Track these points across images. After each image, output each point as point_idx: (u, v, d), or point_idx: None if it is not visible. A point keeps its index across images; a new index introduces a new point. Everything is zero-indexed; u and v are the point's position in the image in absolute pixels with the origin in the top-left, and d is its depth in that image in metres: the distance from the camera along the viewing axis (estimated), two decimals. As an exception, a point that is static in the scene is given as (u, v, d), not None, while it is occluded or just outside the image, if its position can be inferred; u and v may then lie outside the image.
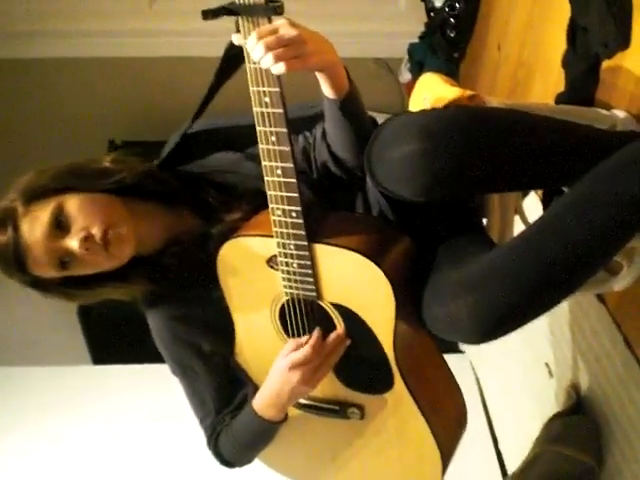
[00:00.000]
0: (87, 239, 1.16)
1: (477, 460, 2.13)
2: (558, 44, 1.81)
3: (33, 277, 1.20)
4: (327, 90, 1.08)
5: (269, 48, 0.92)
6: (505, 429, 2.27)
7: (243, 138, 1.24)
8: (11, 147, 3.05)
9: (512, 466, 2.05)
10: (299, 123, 1.13)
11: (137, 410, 2.40)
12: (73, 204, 1.17)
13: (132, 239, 1.20)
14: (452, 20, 2.64)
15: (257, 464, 1.42)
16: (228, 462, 1.37)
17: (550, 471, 1.60)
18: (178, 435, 2.14)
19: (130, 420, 2.38)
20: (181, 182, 1.28)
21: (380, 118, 1.17)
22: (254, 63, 0.96)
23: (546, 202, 1.61)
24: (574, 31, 1.72)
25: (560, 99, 1.77)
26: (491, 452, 2.26)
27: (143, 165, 1.27)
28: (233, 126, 1.32)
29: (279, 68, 0.94)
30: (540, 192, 1.70)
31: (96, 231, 1.16)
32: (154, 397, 2.33)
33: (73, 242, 1.16)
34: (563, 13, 1.76)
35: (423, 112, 1.10)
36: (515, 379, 2.15)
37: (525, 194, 1.60)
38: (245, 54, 0.97)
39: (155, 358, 1.37)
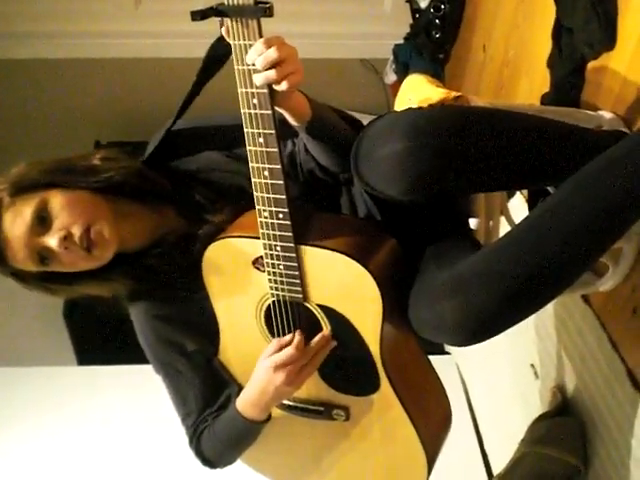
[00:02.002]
0: (66, 238, 1.15)
1: (463, 461, 2.13)
2: (543, 44, 1.82)
3: (12, 269, 1.20)
4: (291, 119, 1.08)
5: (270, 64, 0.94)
6: (491, 430, 2.28)
7: (228, 138, 1.24)
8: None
9: (497, 467, 2.05)
10: (288, 126, 1.13)
11: (122, 411, 2.39)
12: (57, 201, 1.17)
13: (114, 241, 1.19)
14: (437, 21, 2.64)
15: (240, 465, 1.41)
16: (210, 462, 1.36)
17: (535, 472, 1.60)
18: (163, 436, 2.13)
19: (115, 421, 2.37)
20: (168, 180, 1.27)
21: (365, 119, 1.17)
22: (242, 65, 0.96)
23: (532, 203, 1.61)
24: (559, 32, 1.72)
25: (546, 100, 1.78)
26: (477, 453, 2.26)
27: (132, 163, 1.26)
28: (218, 126, 1.32)
29: (282, 86, 0.96)
30: (526, 193, 1.71)
31: (76, 230, 1.15)
32: (139, 398, 2.32)
33: (52, 240, 1.15)
34: (548, 13, 1.77)
35: (408, 111, 1.10)
36: (501, 380, 2.15)
37: (511, 195, 1.60)
38: (234, 56, 0.96)
39: (140, 359, 1.36)
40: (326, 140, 1.12)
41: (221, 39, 0.98)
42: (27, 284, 1.24)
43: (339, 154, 1.13)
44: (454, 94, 1.31)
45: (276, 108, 1.02)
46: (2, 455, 2.28)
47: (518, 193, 1.73)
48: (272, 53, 0.93)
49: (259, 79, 0.95)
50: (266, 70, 0.95)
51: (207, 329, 1.27)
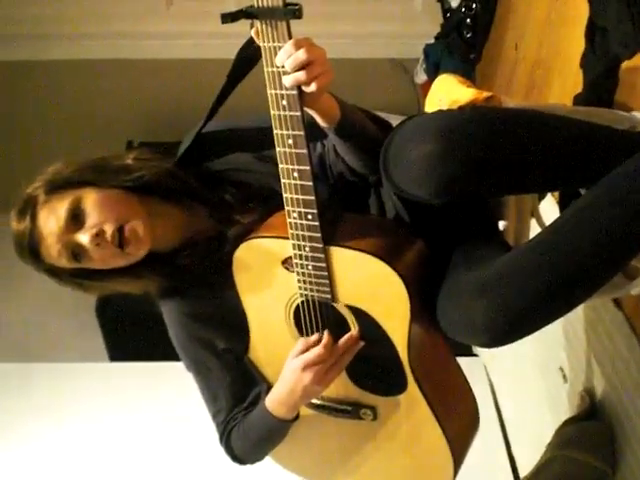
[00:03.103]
0: (98, 235, 1.17)
1: (489, 464, 2.12)
2: (576, 44, 1.80)
3: (47, 265, 1.23)
4: (320, 120, 1.08)
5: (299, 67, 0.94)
6: (518, 433, 2.26)
7: (258, 140, 1.25)
8: (32, 148, 3.09)
9: (524, 470, 2.03)
10: (317, 127, 1.13)
11: (153, 407, 2.40)
12: (90, 199, 1.19)
13: (148, 239, 1.21)
14: (469, 20, 2.63)
15: (269, 462, 1.42)
16: (239, 459, 1.38)
17: (562, 476, 1.59)
18: (194, 432, 2.14)
19: (146, 417, 2.38)
20: (199, 181, 1.29)
21: (395, 120, 1.17)
22: (272, 67, 0.97)
23: (563, 205, 1.59)
24: (593, 31, 1.70)
25: (578, 100, 1.76)
26: (504, 456, 2.25)
27: (163, 163, 1.28)
28: (248, 128, 1.33)
29: (312, 88, 0.96)
30: (557, 195, 1.69)
31: (108, 228, 1.18)
32: (170, 394, 2.33)
33: (84, 237, 1.18)
34: (582, 12, 1.75)
35: (439, 113, 1.10)
36: (529, 383, 2.14)
37: (542, 197, 1.59)
38: (264, 57, 0.97)
39: (172, 356, 1.38)
40: (355, 142, 1.13)
41: (251, 41, 0.99)
42: (61, 280, 1.27)
43: (368, 156, 1.14)
44: (485, 94, 1.30)
45: (305, 109, 1.02)
46: (35, 450, 2.31)
47: (549, 195, 1.71)
48: (301, 55, 0.94)
49: (288, 81, 0.96)
50: (295, 72, 0.95)
51: (237, 327, 1.28)
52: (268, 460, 1.41)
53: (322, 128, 1.11)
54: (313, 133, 1.07)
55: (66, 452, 2.30)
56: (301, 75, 0.95)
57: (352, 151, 1.15)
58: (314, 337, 1.20)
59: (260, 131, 1.17)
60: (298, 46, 0.94)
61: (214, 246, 1.26)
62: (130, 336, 2.71)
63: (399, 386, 1.22)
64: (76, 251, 1.19)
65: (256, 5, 0.92)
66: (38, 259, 1.22)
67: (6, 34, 2.93)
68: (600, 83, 1.67)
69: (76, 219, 1.19)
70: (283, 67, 0.96)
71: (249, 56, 1.14)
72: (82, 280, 1.26)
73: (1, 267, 2.39)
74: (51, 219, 1.18)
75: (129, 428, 2.36)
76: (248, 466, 1.40)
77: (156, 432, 2.33)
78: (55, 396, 2.45)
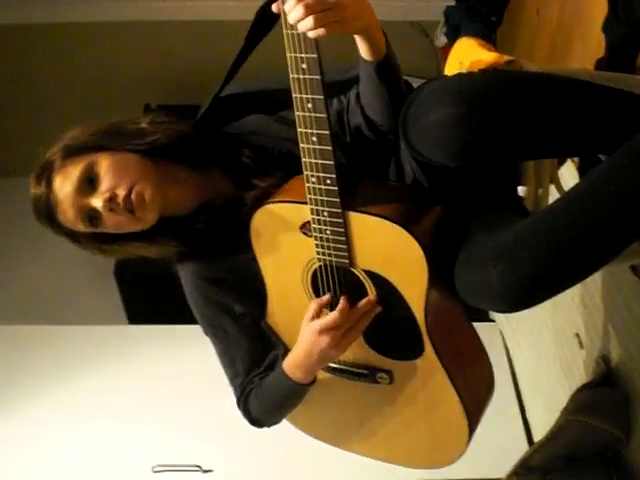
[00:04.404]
0: (111, 200, 1.18)
1: (504, 429, 2.14)
2: (599, 7, 1.77)
3: (64, 229, 1.24)
4: (364, 53, 1.07)
5: (309, 11, 0.91)
6: (533, 398, 2.28)
7: (276, 101, 1.25)
8: (50, 112, 3.09)
9: (539, 435, 2.05)
10: (335, 87, 1.12)
11: (171, 370, 2.42)
12: (104, 163, 1.20)
13: (155, 203, 1.21)
14: (490, -17, 2.58)
15: (287, 426, 1.44)
16: (257, 421, 1.40)
17: (576, 440, 1.60)
18: (211, 395, 2.17)
19: (164, 380, 2.40)
20: (216, 144, 1.29)
21: (415, 82, 1.16)
22: (291, 29, 0.95)
23: (582, 171, 1.58)
24: (616, -5, 1.67)
25: (600, 64, 1.74)
26: (518, 421, 2.26)
27: (179, 128, 1.28)
28: (266, 89, 1.32)
29: (318, 32, 0.93)
30: (577, 161, 1.68)
31: (120, 192, 1.18)
32: (188, 358, 2.34)
33: (97, 201, 1.19)
34: (605, -24, 1.72)
35: (459, 76, 1.09)
36: (545, 349, 2.14)
37: (561, 163, 1.58)
38: (282, 20, 0.96)
39: (190, 319, 1.39)
40: (388, 86, 1.11)
41: (268, 3, 0.98)
42: (80, 243, 1.28)
43: (393, 105, 1.12)
44: (506, 58, 1.28)
45: (354, 36, 1.02)
46: (54, 412, 2.33)
47: (569, 160, 1.70)
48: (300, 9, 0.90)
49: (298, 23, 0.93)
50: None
51: (254, 292, 1.29)
52: (285, 423, 1.43)
53: (361, 63, 1.09)
54: (330, 91, 1.06)
55: (84, 414, 2.33)
56: (304, 22, 0.91)
57: (381, 95, 1.12)
58: (326, 297, 1.21)
59: (279, 93, 1.17)
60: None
61: (231, 210, 1.27)
62: (149, 299, 2.74)
63: (416, 351, 1.23)
64: (91, 215, 1.20)
65: None
66: (55, 223, 1.23)
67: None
68: (622, 48, 1.65)
69: (90, 183, 1.19)
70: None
71: (266, 19, 1.13)
72: (100, 244, 1.27)
73: (19, 230, 2.42)
74: (66, 184, 1.19)
75: (147, 390, 2.39)
76: (265, 429, 1.42)
77: (174, 394, 2.36)
78: (73, 358, 2.48)
